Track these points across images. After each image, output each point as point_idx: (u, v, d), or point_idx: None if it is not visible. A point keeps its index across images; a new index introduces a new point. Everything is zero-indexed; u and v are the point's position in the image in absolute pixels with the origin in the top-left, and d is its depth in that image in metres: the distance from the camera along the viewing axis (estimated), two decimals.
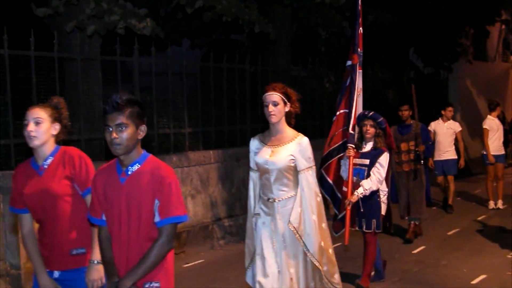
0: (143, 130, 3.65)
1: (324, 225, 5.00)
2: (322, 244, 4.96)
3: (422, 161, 8.98)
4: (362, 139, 6.74)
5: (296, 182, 4.94)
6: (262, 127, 10.61)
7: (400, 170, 9.01)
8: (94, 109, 8.34)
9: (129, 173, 3.55)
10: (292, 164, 4.88)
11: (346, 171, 6.54)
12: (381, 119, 6.66)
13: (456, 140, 11.55)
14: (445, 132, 11.40)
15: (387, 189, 6.78)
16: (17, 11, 9.77)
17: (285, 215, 4.94)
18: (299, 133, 4.99)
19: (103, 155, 8.03)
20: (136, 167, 3.56)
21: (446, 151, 11.38)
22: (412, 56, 17.05)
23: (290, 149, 4.88)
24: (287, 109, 4.91)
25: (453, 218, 10.75)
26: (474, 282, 7.04)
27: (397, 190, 9.00)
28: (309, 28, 12.68)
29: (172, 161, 8.77)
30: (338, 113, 6.83)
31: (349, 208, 6.39)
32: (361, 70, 6.81)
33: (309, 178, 4.92)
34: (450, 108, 11.53)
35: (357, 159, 6.59)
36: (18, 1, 9.59)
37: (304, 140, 4.92)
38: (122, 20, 8.00)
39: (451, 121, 11.57)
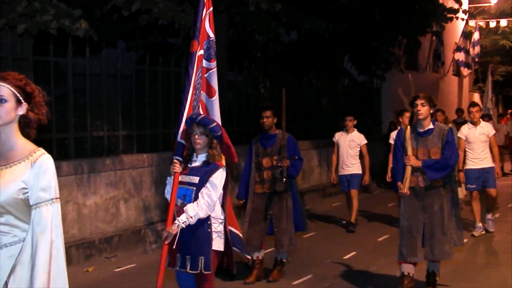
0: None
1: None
2: None
3: (284, 180, 7.21)
4: (193, 151, 5.20)
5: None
6: None
7: (261, 191, 7.36)
8: None
9: None
10: (22, 196, 3.18)
11: (170, 192, 5.16)
12: (214, 124, 5.11)
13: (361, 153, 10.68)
14: (347, 144, 10.61)
15: (222, 216, 5.15)
16: None
17: (7, 269, 3.14)
18: (39, 148, 3.38)
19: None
20: None
21: (350, 164, 10.60)
22: (346, 64, 17.33)
23: (19, 173, 3.20)
24: (21, 112, 3.27)
25: (384, 225, 10.94)
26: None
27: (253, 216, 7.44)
28: (246, 34, 12.74)
29: (106, 164, 8.67)
30: (185, 113, 5.40)
31: (166, 242, 4.97)
32: (214, 63, 5.62)
33: (43, 218, 3.22)
34: (350, 118, 10.66)
35: (184, 176, 5.13)
36: None
37: (45, 160, 3.33)
38: (55, 20, 7.86)
39: (355, 133, 10.70)
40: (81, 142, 8.85)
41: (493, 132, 10.01)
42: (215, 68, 5.63)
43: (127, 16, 9.28)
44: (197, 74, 5.47)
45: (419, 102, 6.46)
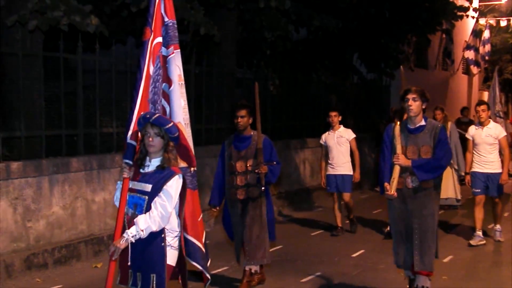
0: None
1: None
2: None
3: (263, 187, 6.70)
4: (145, 154, 4.63)
5: None
6: (206, 129, 10.64)
7: (234, 197, 6.83)
8: (35, 105, 8.19)
9: None
10: None
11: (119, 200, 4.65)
12: (170, 124, 4.54)
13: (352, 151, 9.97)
14: (336, 141, 9.85)
15: (178, 229, 4.64)
16: None
17: None
18: None
19: (43, 152, 7.90)
20: None
21: (341, 164, 9.83)
22: (355, 61, 17.30)
23: None
24: None
25: None
26: None
27: (232, 224, 6.99)
28: (255, 31, 12.72)
29: (115, 160, 8.68)
30: (136, 111, 4.82)
31: (113, 259, 4.48)
32: (175, 52, 4.96)
33: None
34: (334, 113, 9.90)
35: (136, 183, 4.58)
36: None
37: None
38: (65, 17, 7.88)
39: (342, 128, 9.96)
40: (90, 139, 8.87)
41: (504, 134, 9.18)
42: (174, 54, 4.96)
43: (137, 12, 9.28)
44: (156, 65, 4.93)
45: (410, 96, 5.96)
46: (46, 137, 8.07)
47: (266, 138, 6.89)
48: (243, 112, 6.77)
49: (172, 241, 4.59)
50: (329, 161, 9.90)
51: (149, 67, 4.86)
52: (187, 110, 5.08)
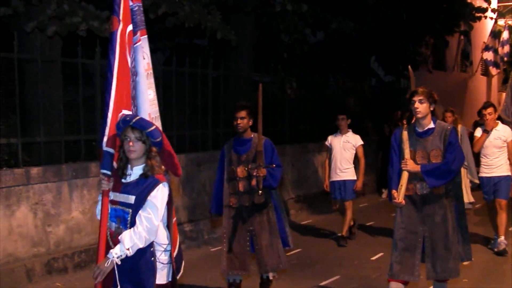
0: None
1: None
2: None
3: (260, 191, 6.14)
4: (126, 162, 4.22)
5: None
6: (224, 132, 10.65)
7: (237, 204, 6.39)
8: (54, 111, 8.25)
9: None
10: None
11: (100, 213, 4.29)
12: (152, 128, 4.17)
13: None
14: (342, 146, 9.42)
15: (167, 241, 4.34)
16: None
17: None
18: None
19: (62, 157, 7.96)
20: None
21: (344, 169, 9.41)
22: (373, 64, 17.25)
23: None
24: None
25: None
26: None
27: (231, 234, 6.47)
28: (272, 35, 12.74)
29: None
30: (109, 114, 4.30)
31: (97, 281, 4.10)
32: (141, 39, 4.52)
33: None
34: (342, 116, 9.48)
35: (118, 195, 4.19)
36: None
37: None
38: (84, 22, 7.94)
39: (350, 133, 9.50)
40: None
41: None
42: (140, 42, 4.50)
43: (154, 18, 9.33)
44: (131, 56, 4.43)
45: (416, 98, 5.62)
46: (65, 142, 8.12)
47: (267, 140, 6.42)
48: (242, 113, 6.33)
49: (161, 256, 4.27)
50: (332, 166, 9.47)
51: (126, 60, 4.36)
52: (156, 102, 4.65)
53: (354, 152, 9.40)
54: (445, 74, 21.49)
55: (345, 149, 9.38)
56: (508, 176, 8.72)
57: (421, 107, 5.63)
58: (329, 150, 9.63)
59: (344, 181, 9.38)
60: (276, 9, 10.88)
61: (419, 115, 5.67)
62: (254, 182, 6.22)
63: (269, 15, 11.99)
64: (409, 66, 7.04)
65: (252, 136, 6.42)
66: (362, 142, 9.45)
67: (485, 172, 8.84)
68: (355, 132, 9.65)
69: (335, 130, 9.65)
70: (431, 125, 5.73)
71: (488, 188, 8.81)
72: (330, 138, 9.61)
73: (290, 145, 12.28)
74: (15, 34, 7.67)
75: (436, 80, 19.62)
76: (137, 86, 4.47)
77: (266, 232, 6.35)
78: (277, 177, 6.33)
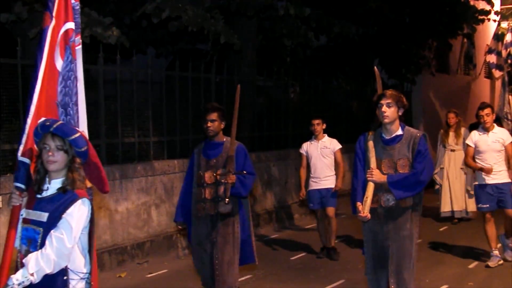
0: None
1: None
2: None
3: (226, 200, 5.73)
4: (44, 174, 3.59)
5: None
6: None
7: (203, 213, 5.93)
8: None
9: None
10: None
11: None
12: (76, 135, 3.56)
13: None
14: (320, 152, 8.91)
15: (85, 269, 3.65)
16: None
17: None
18: None
19: None
20: None
21: (324, 177, 8.86)
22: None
23: None
24: None
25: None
26: None
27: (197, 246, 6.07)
28: (275, 39, 12.74)
29: (137, 170, 8.73)
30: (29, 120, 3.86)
31: None
32: (76, 42, 4.02)
33: None
34: (317, 121, 8.90)
35: (30, 212, 3.58)
36: None
37: None
38: (87, 28, 7.95)
39: (326, 138, 8.97)
40: (112, 149, 8.92)
41: (510, 139, 8.12)
42: (80, 46, 4.09)
43: (157, 23, 9.34)
44: (66, 58, 3.96)
45: (384, 102, 5.18)
46: None
47: (241, 145, 6.03)
48: (213, 116, 5.91)
49: (77, 285, 3.58)
50: (311, 175, 8.92)
51: (54, 61, 3.90)
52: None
53: (333, 157, 8.91)
54: (449, 77, 21.44)
55: (323, 155, 8.87)
56: (509, 182, 8.06)
57: (389, 111, 5.19)
58: (305, 158, 9.07)
59: (327, 188, 8.81)
60: (279, 13, 10.88)
61: (386, 120, 5.21)
62: (222, 189, 5.80)
63: (272, 19, 11.99)
64: (375, 67, 6.58)
65: (224, 140, 6.03)
66: (340, 146, 8.96)
67: (484, 180, 8.12)
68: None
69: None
70: (399, 132, 5.28)
71: (487, 197, 8.06)
72: (305, 145, 9.09)
73: (293, 149, 12.26)
74: (19, 40, 7.70)
75: (439, 83, 19.60)
76: (79, 93, 4.14)
77: (230, 246, 5.87)
78: (248, 185, 5.91)
